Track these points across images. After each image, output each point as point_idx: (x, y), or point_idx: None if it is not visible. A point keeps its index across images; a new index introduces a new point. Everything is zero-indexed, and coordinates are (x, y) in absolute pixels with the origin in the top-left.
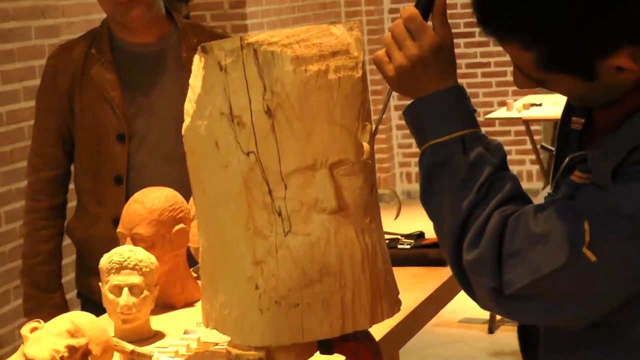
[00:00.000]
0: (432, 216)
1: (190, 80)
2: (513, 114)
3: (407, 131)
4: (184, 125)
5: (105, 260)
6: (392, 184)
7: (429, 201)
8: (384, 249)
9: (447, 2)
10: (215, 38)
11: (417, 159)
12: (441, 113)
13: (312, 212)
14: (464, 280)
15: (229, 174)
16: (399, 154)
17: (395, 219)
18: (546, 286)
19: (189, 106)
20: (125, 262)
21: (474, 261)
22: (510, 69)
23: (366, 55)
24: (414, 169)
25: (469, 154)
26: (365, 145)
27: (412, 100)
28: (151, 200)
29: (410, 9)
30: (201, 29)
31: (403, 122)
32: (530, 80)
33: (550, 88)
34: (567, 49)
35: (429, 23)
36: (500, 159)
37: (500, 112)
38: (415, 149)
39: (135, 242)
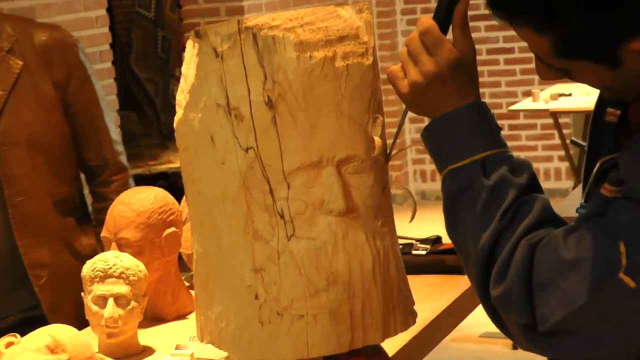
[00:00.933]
0: (457, 248)
1: (183, 69)
2: (539, 105)
3: (422, 124)
4: (176, 118)
5: (88, 268)
6: (404, 183)
7: (453, 232)
8: (397, 254)
9: None
10: (44, 34)
11: None
12: (460, 134)
13: (318, 214)
14: (495, 317)
15: (225, 172)
16: (412, 150)
17: (410, 221)
18: (584, 319)
19: (181, 97)
20: (110, 269)
21: (501, 297)
22: None
23: (377, 40)
24: (429, 167)
25: (490, 177)
26: (377, 140)
27: (429, 120)
28: (139, 202)
29: (427, 20)
30: (20, 22)
31: (416, 114)
32: (552, 70)
33: (576, 78)
34: (585, 32)
35: (449, 36)
36: (527, 179)
37: (525, 103)
38: None
39: (121, 248)
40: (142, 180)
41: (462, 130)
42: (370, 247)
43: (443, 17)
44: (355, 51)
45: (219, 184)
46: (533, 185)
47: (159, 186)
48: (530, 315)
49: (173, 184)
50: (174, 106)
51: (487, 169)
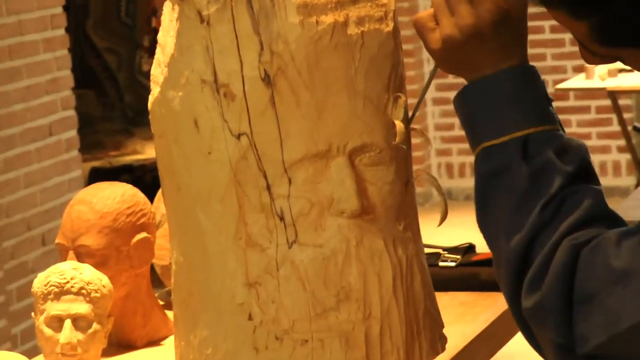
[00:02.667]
0: (487, 241)
1: (160, 37)
2: (594, 82)
3: (448, 107)
4: (151, 98)
5: (40, 283)
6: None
7: (483, 220)
8: (423, 266)
9: None
10: None
11: (460, 145)
12: (499, 104)
13: (326, 216)
14: (527, 330)
15: (212, 163)
16: (437, 138)
17: (439, 225)
18: (631, 345)
19: (158, 71)
20: (68, 284)
21: (535, 309)
22: None
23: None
24: (457, 159)
25: (532, 161)
26: (398, 125)
27: (465, 83)
28: (102, 200)
29: None
30: None
31: (441, 94)
32: (597, 57)
33: (629, 65)
34: (629, 16)
35: None
36: (577, 166)
37: (577, 81)
38: (459, 132)
39: (80, 258)
40: (102, 174)
41: (502, 99)
42: (390, 256)
43: None
44: (372, 15)
45: (204, 179)
46: (585, 174)
47: (123, 182)
48: (567, 334)
49: (140, 179)
50: (140, 83)
51: (529, 150)
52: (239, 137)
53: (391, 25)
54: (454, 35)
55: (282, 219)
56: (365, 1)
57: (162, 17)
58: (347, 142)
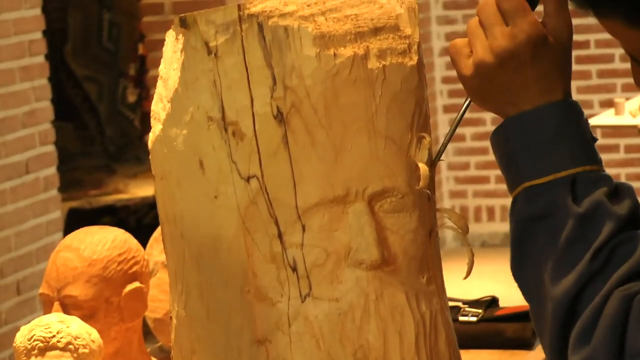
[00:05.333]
0: (525, 294)
1: (161, 69)
2: (624, 119)
3: (462, 144)
4: (152, 136)
5: (23, 336)
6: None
7: (520, 270)
8: (448, 322)
9: None
10: None
11: (476, 187)
12: (542, 142)
13: (343, 267)
14: None
15: (219, 208)
16: (450, 178)
17: (466, 277)
18: None
19: (159, 107)
20: (54, 338)
21: None
22: (619, 51)
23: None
24: (472, 202)
25: (581, 203)
26: (422, 168)
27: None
28: (91, 247)
29: None
30: None
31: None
32: None
33: None
34: None
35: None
36: (629, 210)
37: (605, 117)
38: (474, 172)
39: (66, 309)
40: (81, 216)
41: (546, 137)
42: (412, 312)
43: None
44: (395, 48)
45: (209, 225)
46: (636, 218)
47: (104, 224)
48: None
49: (123, 221)
50: (123, 115)
51: (577, 191)
52: (248, 179)
53: (415, 58)
54: (487, 60)
55: (294, 270)
56: (387, 32)
57: (165, 48)
58: (367, 186)
